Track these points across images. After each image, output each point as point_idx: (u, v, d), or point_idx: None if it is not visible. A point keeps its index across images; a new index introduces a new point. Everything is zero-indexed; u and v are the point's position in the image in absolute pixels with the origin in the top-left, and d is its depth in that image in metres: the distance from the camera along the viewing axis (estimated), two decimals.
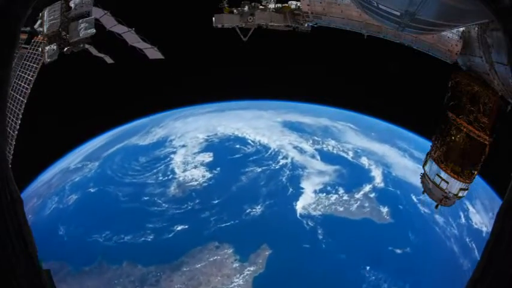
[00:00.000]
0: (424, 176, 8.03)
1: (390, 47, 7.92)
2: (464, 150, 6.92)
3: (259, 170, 37.70)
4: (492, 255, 1.77)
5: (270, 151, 40.66)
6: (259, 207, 33.00)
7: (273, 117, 47.99)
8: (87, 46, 10.30)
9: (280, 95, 47.03)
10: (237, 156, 39.19)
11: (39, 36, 9.62)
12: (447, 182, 7.19)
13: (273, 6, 9.15)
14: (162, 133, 42.67)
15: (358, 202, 34.78)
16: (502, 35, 4.11)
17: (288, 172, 38.06)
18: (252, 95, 47.48)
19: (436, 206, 7.95)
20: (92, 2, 9.70)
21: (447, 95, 7.21)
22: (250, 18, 9.07)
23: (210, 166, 36.96)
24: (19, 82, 9.46)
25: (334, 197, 35.53)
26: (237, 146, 40.66)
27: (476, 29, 5.78)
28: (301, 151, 41.28)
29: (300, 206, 34.04)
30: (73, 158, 38.30)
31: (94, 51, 10.97)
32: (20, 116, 9.19)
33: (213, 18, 9.30)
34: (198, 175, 35.52)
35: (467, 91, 6.65)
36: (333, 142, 43.19)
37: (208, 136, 41.93)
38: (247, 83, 42.82)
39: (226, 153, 39.24)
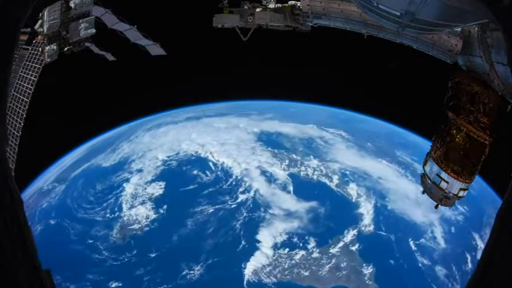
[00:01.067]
0: (424, 176, 8.03)
1: (390, 47, 7.92)
2: (465, 150, 6.92)
3: (211, 210, 30.07)
4: (492, 256, 1.77)
5: (231, 180, 32.78)
6: (198, 268, 26.35)
7: (250, 126, 40.44)
8: (88, 44, 10.35)
9: (278, 95, 46.29)
10: (190, 187, 32.16)
11: (39, 36, 9.63)
12: (447, 182, 7.19)
13: (273, 6, 9.15)
14: (126, 150, 37.58)
15: (333, 261, 25.96)
16: (502, 35, 4.11)
17: (245, 214, 29.56)
18: (249, 95, 45.51)
19: (436, 206, 7.96)
20: (92, 2, 9.70)
21: (447, 95, 7.21)
22: (250, 18, 9.07)
23: (157, 202, 31.02)
24: (21, 83, 9.53)
25: (300, 254, 26.69)
26: (195, 172, 33.59)
27: (476, 29, 5.78)
28: (271, 179, 32.86)
29: (250, 269, 25.94)
30: (50, 175, 35.59)
31: (95, 49, 11.03)
32: (24, 116, 9.27)
33: (213, 18, 9.30)
34: (142, 215, 30.17)
35: (467, 91, 6.65)
36: (315, 162, 34.41)
37: (168, 157, 35.78)
38: (244, 83, 42.39)
39: (180, 182, 32.76)
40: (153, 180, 33.33)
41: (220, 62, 36.67)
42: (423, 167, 8.06)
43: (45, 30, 9.26)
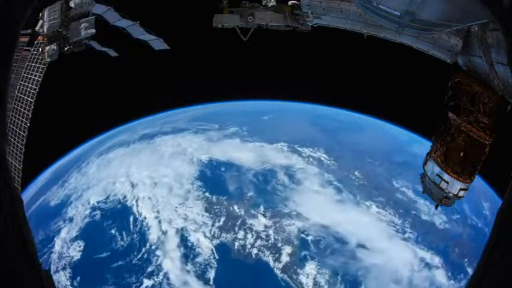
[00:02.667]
0: (424, 176, 8.04)
1: (390, 47, 7.92)
2: (465, 151, 6.92)
3: None
4: (492, 256, 1.77)
5: (144, 250, 25.33)
6: None
7: (200, 150, 32.49)
8: (90, 42, 10.39)
9: (278, 95, 45.93)
10: (103, 255, 25.68)
11: (39, 36, 9.67)
12: (447, 182, 7.19)
13: (273, 5, 9.16)
14: (71, 186, 32.52)
15: None
16: (502, 35, 4.11)
17: None
18: (248, 95, 43.87)
19: (436, 206, 7.98)
20: (92, 2, 9.71)
21: (447, 95, 7.21)
22: (250, 18, 9.07)
23: (74, 270, 25.25)
24: (25, 83, 9.59)
25: None
26: (113, 232, 27.18)
27: (476, 29, 5.78)
28: (189, 254, 23.88)
29: None
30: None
31: (97, 45, 11.08)
32: (30, 116, 9.35)
33: (213, 19, 9.31)
34: (62, 284, 24.72)
35: (467, 91, 6.65)
36: (263, 221, 24.00)
37: (98, 203, 30.15)
38: (244, 84, 42.10)
39: (96, 245, 26.54)
40: (76, 238, 27.96)
41: (219, 62, 36.69)
42: (423, 167, 8.07)
43: (45, 31, 9.28)
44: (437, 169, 7.33)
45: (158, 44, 11.37)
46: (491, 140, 6.71)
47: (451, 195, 7.29)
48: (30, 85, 9.50)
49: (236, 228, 24.48)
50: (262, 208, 25.21)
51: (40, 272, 1.98)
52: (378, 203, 25.23)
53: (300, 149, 30.09)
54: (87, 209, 29.95)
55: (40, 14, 9.28)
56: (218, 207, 26.35)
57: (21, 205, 2.01)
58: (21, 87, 9.64)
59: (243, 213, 25.28)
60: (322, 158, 28.88)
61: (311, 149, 29.95)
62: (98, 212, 29.68)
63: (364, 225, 23.56)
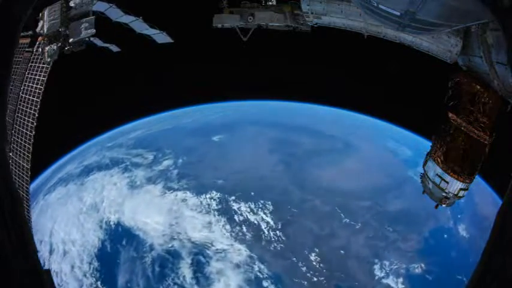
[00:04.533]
0: (424, 176, 8.04)
1: (390, 47, 7.92)
2: (464, 151, 6.92)
3: None
4: (492, 257, 1.77)
5: None
6: None
7: (113, 206, 26.50)
8: (91, 39, 10.43)
9: (278, 95, 45.82)
10: None
11: (40, 37, 9.69)
12: (447, 182, 7.19)
13: (274, 5, 9.16)
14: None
15: None
16: (502, 35, 4.12)
17: None
18: (247, 95, 43.76)
19: (436, 206, 7.97)
20: (91, 2, 9.72)
21: (447, 95, 7.21)
22: (250, 18, 9.08)
23: None
24: (29, 84, 9.65)
25: None
26: None
27: (476, 28, 5.78)
28: None
29: None
30: None
31: (99, 42, 11.12)
32: (36, 116, 9.42)
33: (213, 19, 9.32)
34: None
35: (467, 91, 6.65)
36: None
37: None
38: (242, 84, 41.89)
39: None
40: None
41: (219, 62, 36.68)
42: (423, 167, 8.07)
43: (45, 31, 9.29)
44: (437, 169, 7.33)
45: (162, 37, 11.40)
46: (491, 140, 6.71)
47: (451, 195, 7.29)
48: (34, 85, 9.57)
49: None
50: None
51: (40, 272, 1.98)
52: None
53: (235, 206, 20.45)
54: None
55: (40, 14, 9.28)
56: None
57: (22, 205, 2.01)
58: (26, 88, 9.71)
59: None
60: (264, 225, 18.61)
61: (252, 205, 19.83)
62: None
63: None
